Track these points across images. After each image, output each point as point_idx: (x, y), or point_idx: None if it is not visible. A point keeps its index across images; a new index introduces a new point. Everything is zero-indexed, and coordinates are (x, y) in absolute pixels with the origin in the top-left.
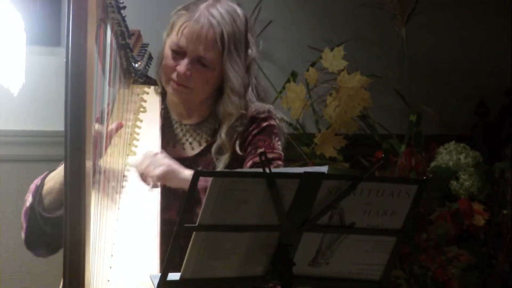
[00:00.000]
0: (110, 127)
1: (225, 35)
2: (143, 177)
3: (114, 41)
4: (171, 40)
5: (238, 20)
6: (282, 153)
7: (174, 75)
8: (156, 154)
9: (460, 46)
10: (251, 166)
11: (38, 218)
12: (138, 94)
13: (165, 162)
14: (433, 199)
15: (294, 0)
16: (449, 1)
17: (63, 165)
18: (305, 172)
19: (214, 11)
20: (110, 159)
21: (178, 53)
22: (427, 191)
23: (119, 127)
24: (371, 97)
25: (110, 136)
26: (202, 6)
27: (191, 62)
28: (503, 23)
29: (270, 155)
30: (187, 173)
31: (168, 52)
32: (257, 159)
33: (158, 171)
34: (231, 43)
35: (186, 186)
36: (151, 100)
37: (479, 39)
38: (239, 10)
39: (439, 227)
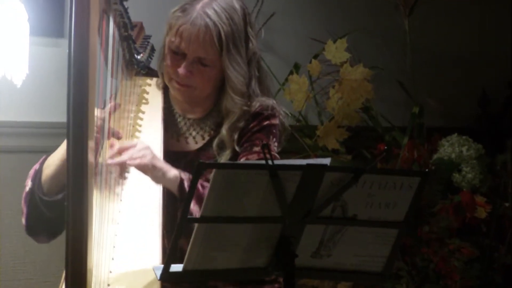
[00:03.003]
0: (111, 122)
1: (223, 35)
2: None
3: (116, 33)
4: (170, 41)
5: (235, 16)
6: (278, 155)
7: (175, 76)
8: (145, 148)
9: (463, 38)
10: None
11: (38, 202)
12: (140, 86)
13: (150, 158)
14: (435, 191)
15: None
16: None
17: (60, 148)
18: (308, 164)
19: (209, 11)
20: (112, 151)
21: (178, 54)
22: (429, 184)
23: (115, 107)
24: (374, 89)
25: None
26: (198, 6)
27: (191, 63)
28: (506, 14)
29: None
30: (173, 173)
31: (168, 52)
32: (251, 156)
33: (138, 161)
34: (229, 42)
35: (171, 186)
36: (153, 92)
37: (482, 31)
38: (236, 4)
39: (441, 220)
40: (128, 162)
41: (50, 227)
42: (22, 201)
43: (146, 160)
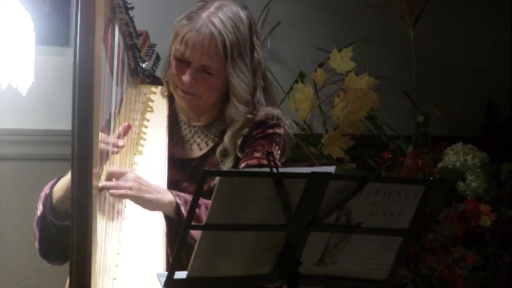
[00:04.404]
0: (117, 130)
1: (228, 44)
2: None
3: (122, 42)
4: (175, 49)
5: (241, 25)
6: (279, 163)
7: (180, 83)
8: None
9: (468, 47)
10: (244, 167)
11: (51, 227)
12: (145, 94)
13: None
14: (440, 199)
15: (303, 1)
16: (457, 2)
17: (69, 173)
18: (312, 172)
19: (215, 20)
20: (117, 159)
21: (183, 62)
22: (434, 192)
23: (127, 129)
24: (379, 98)
25: (117, 142)
26: (204, 14)
27: (195, 71)
28: (511, 24)
29: (265, 162)
30: (168, 198)
31: (173, 60)
32: (251, 161)
33: (128, 193)
34: (234, 50)
35: (168, 211)
36: (158, 100)
37: (487, 40)
38: (243, 14)
39: (446, 228)
40: (113, 191)
41: (64, 250)
42: (35, 225)
43: (131, 193)
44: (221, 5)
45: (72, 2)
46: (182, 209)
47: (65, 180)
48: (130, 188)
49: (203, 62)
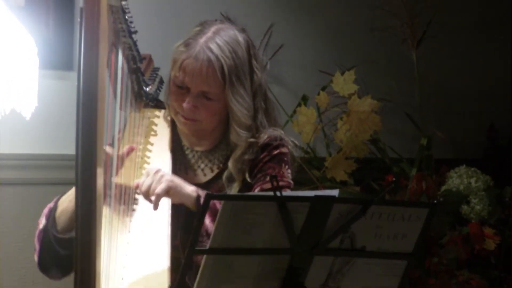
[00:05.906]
0: (121, 150)
1: (226, 69)
2: (146, 195)
3: (125, 65)
4: (175, 76)
5: (239, 49)
6: (291, 182)
7: (180, 110)
8: (157, 171)
9: (470, 69)
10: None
11: (52, 240)
12: (149, 118)
13: (167, 179)
14: (444, 223)
15: (305, 25)
16: (459, 25)
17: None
18: (316, 196)
19: (212, 45)
20: (120, 183)
21: (182, 88)
22: (438, 215)
23: (131, 150)
24: (382, 121)
25: (121, 160)
26: (202, 40)
27: (195, 97)
28: None
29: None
30: (190, 188)
31: (173, 86)
32: (265, 185)
33: (159, 189)
34: (232, 75)
35: (188, 202)
36: (162, 124)
37: (489, 63)
38: (240, 37)
39: (450, 251)
40: (149, 193)
41: (63, 264)
42: (35, 239)
43: (165, 185)
44: (218, 29)
45: (76, 27)
46: (202, 200)
47: (70, 194)
48: (161, 181)
49: (202, 88)
